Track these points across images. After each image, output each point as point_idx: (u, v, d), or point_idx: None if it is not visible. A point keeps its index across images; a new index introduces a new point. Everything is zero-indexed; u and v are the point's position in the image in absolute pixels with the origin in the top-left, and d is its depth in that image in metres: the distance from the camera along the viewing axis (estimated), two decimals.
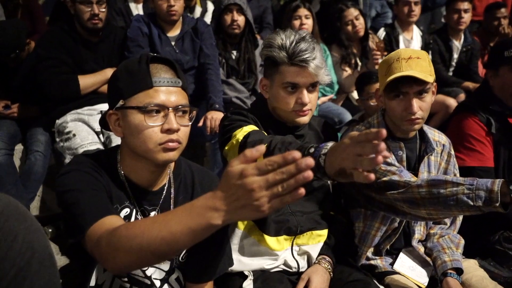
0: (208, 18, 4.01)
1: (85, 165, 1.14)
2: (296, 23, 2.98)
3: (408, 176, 1.47)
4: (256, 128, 1.42)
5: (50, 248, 0.88)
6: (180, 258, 1.27)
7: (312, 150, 1.02)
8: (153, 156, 1.11)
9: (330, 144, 0.98)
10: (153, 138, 1.09)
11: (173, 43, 2.67)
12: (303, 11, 2.97)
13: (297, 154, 0.74)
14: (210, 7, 4.38)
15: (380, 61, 2.94)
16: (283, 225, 1.50)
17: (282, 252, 1.51)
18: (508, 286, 1.56)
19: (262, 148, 0.79)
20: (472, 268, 1.62)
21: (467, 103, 1.92)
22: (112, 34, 2.60)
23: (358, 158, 0.83)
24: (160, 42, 2.63)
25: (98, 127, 2.46)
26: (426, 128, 1.67)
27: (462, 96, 3.27)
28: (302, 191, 0.75)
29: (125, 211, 1.18)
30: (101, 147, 2.38)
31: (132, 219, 1.19)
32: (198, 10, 4.12)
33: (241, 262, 1.50)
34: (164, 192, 1.22)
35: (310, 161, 0.73)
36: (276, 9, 4.47)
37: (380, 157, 0.80)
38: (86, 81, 2.47)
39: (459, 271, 1.54)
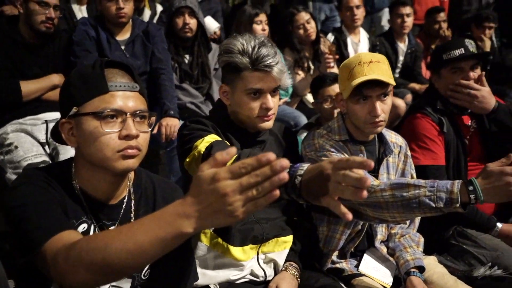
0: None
1: (37, 178, 1.05)
2: (258, 28, 3.00)
3: (370, 179, 1.49)
4: (218, 138, 1.37)
5: (3, 271, 0.80)
6: (142, 275, 1.20)
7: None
8: (112, 164, 1.03)
9: (305, 165, 0.94)
10: (111, 145, 1.02)
11: (123, 47, 2.56)
12: (263, 17, 3.01)
13: (271, 155, 0.72)
14: (160, 9, 4.27)
15: (332, 64, 3.02)
16: (249, 234, 1.47)
17: (248, 261, 1.48)
18: (465, 280, 1.63)
19: (233, 151, 0.76)
20: (433, 265, 1.67)
21: (419, 104, 1.99)
22: (57, 38, 2.45)
23: (338, 186, 0.81)
24: (109, 46, 2.51)
25: (43, 138, 2.31)
26: (384, 130, 1.71)
27: (409, 97, 3.41)
28: (277, 193, 0.73)
29: (82, 227, 1.10)
30: (47, 159, 2.23)
31: None
32: (147, 13, 4.00)
33: (205, 276, 1.45)
34: (123, 206, 1.15)
35: (285, 162, 0.71)
36: (227, 12, 4.44)
37: (364, 192, 0.78)
38: (29, 87, 2.30)
39: (421, 269, 1.58)
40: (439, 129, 1.90)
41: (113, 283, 1.13)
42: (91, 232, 1.11)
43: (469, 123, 1.99)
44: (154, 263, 1.16)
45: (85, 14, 3.43)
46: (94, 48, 2.48)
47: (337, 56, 3.00)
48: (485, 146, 2.01)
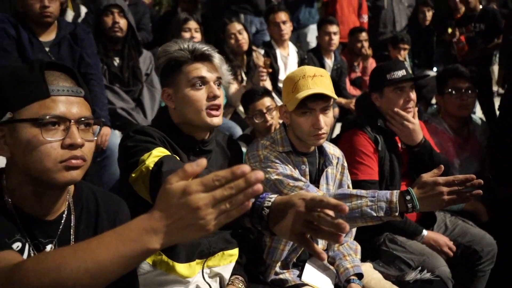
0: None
1: None
2: (186, 35, 2.92)
3: (314, 191, 1.53)
4: (167, 152, 1.31)
5: None
6: None
7: (252, 200, 0.96)
8: (53, 176, 0.94)
9: (273, 197, 0.92)
10: (52, 155, 0.93)
11: (47, 49, 2.37)
12: (193, 24, 2.93)
13: (246, 168, 0.70)
14: (84, 11, 4.05)
15: (265, 77, 3.06)
16: (195, 249, 1.42)
17: (193, 277, 1.43)
18: (399, 284, 1.73)
19: (204, 162, 0.73)
20: (369, 271, 1.75)
21: (358, 121, 2.09)
22: None
23: (311, 226, 0.82)
24: (31, 47, 2.31)
25: None
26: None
27: (336, 111, 3.58)
28: (250, 204, 0.72)
29: (15, 246, 0.98)
30: None
31: (25, 255, 0.99)
32: (69, 14, 3.78)
33: None
34: (62, 221, 1.05)
35: (260, 174, 0.70)
36: (156, 18, 4.34)
37: (342, 237, 0.79)
38: None
39: (360, 276, 1.65)
40: (374, 147, 2.00)
41: None
42: (25, 252, 1.00)
43: (400, 144, 2.11)
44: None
45: None
46: (14, 48, 2.27)
47: (270, 70, 3.05)
48: (411, 165, 2.14)
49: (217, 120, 1.44)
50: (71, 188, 1.08)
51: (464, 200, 1.33)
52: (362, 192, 1.43)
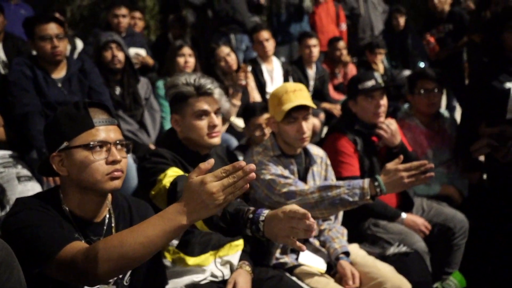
0: (77, 56, 4.01)
1: (33, 204, 1.23)
2: (181, 60, 3.21)
3: (302, 185, 1.84)
4: (180, 172, 1.60)
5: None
6: (124, 282, 1.40)
7: (250, 215, 1.27)
8: (101, 186, 1.25)
9: (265, 212, 1.26)
10: (100, 170, 1.24)
11: (59, 85, 2.66)
12: (187, 50, 3.21)
13: (242, 162, 1.05)
14: (80, 44, 4.36)
15: (244, 82, 3.33)
16: (207, 243, 1.73)
17: (208, 266, 1.74)
18: (381, 258, 2.04)
19: (212, 161, 1.08)
20: (355, 250, 2.06)
21: (339, 125, 2.40)
22: None
23: (292, 229, 1.19)
24: (47, 85, 2.61)
25: None
26: (308, 145, 2.08)
27: (322, 116, 3.89)
28: (247, 186, 1.06)
29: None
30: None
31: None
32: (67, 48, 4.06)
33: (172, 282, 1.67)
34: (106, 222, 1.35)
35: (253, 166, 1.05)
36: (149, 44, 4.66)
37: (311, 233, 1.19)
38: None
39: (347, 254, 1.96)
40: (354, 147, 2.31)
41: None
42: None
43: (378, 142, 2.41)
44: (134, 271, 1.38)
45: (1, 53, 3.40)
46: (32, 87, 2.55)
47: (248, 75, 3.29)
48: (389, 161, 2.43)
49: (216, 140, 1.73)
50: (109, 196, 1.38)
51: (421, 181, 1.65)
52: (340, 182, 1.75)
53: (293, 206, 1.20)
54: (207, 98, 1.70)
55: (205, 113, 1.70)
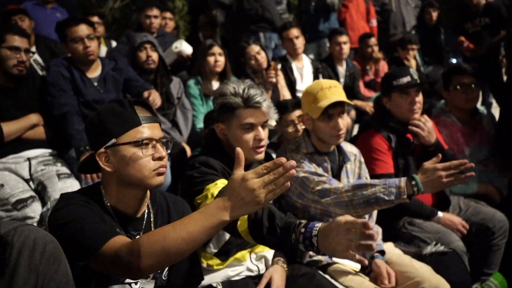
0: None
1: (77, 199, 1.26)
2: (211, 59, 3.23)
3: (336, 183, 1.83)
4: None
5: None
6: (163, 276, 1.42)
7: (302, 230, 1.21)
8: (148, 181, 1.28)
9: (318, 225, 1.19)
10: (148, 166, 1.27)
11: (95, 84, 2.74)
12: (217, 49, 3.24)
13: (283, 159, 1.04)
14: (115, 46, 4.46)
15: (274, 80, 3.33)
16: (245, 245, 1.74)
17: (245, 262, 1.76)
18: (417, 258, 2.00)
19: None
20: (390, 249, 2.03)
21: (372, 122, 2.36)
22: (30, 79, 2.60)
23: (351, 243, 1.12)
24: (84, 84, 2.69)
25: (26, 175, 2.43)
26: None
27: (353, 113, 3.85)
28: (288, 184, 1.05)
29: None
30: (33, 194, 2.35)
31: None
32: (103, 50, 4.18)
33: (208, 277, 1.69)
34: (145, 218, 1.38)
35: (293, 162, 1.04)
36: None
37: (374, 244, 1.09)
38: (10, 128, 2.42)
39: (382, 253, 1.93)
40: (388, 144, 2.27)
41: (141, 285, 1.35)
42: None
43: (412, 139, 2.36)
44: (172, 267, 1.40)
45: (35, 55, 3.51)
46: (70, 87, 2.64)
47: (278, 70, 3.28)
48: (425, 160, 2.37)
49: (260, 156, 1.68)
50: (148, 192, 1.41)
51: (460, 181, 1.61)
52: (375, 181, 1.72)
53: (348, 217, 1.13)
54: (254, 110, 1.65)
55: (252, 126, 1.66)
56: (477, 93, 2.77)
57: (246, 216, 1.29)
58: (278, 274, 1.71)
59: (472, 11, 4.56)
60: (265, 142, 1.70)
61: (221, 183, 1.58)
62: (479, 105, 3.81)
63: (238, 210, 1.06)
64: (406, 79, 2.25)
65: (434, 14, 5.23)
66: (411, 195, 1.68)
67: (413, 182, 1.65)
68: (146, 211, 1.39)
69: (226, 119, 1.70)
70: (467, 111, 2.76)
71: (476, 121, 2.80)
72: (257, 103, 1.65)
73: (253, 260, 1.76)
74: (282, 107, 2.62)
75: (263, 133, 1.68)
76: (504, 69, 4.48)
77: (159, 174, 1.29)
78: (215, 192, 1.51)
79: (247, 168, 1.75)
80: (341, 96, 1.88)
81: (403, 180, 1.68)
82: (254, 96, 1.64)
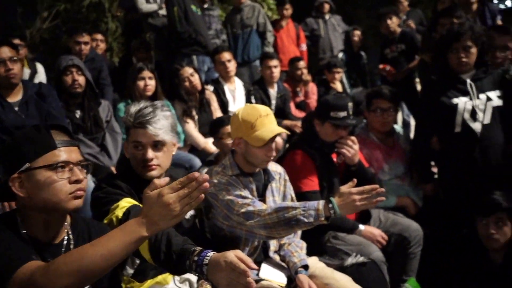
0: (38, 80, 3.96)
1: None
2: (141, 83, 3.23)
3: (259, 206, 1.90)
4: (133, 201, 1.60)
5: None
6: None
7: (195, 258, 1.22)
8: (64, 205, 1.26)
9: (210, 254, 1.21)
10: (64, 189, 1.25)
11: (16, 109, 2.64)
12: (147, 73, 3.24)
13: (196, 174, 1.10)
14: (40, 68, 4.31)
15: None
16: None
17: (167, 285, 1.75)
18: (340, 270, 2.10)
19: (167, 179, 1.13)
20: (314, 263, 2.11)
21: (299, 142, 2.48)
22: None
23: (232, 281, 1.15)
24: (2, 108, 2.58)
25: None
26: None
27: (284, 134, 3.96)
28: (202, 196, 1.11)
29: None
30: None
31: None
32: (26, 72, 4.01)
33: None
34: (64, 244, 1.35)
35: (206, 176, 1.10)
36: (112, 67, 4.65)
37: (253, 284, 1.14)
38: None
39: (306, 267, 2.01)
40: (314, 163, 2.38)
41: None
42: None
43: (336, 159, 2.51)
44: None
45: None
46: None
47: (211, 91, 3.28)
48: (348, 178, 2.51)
49: (152, 173, 1.71)
50: (69, 218, 1.39)
51: (372, 204, 1.74)
52: (296, 203, 1.83)
53: (234, 258, 1.14)
54: (142, 131, 1.70)
55: (141, 144, 1.71)
56: (392, 117, 2.98)
57: (147, 241, 1.30)
58: None
59: (389, 38, 4.95)
60: (157, 161, 1.71)
61: (125, 202, 1.58)
62: (399, 125, 4.13)
63: (157, 225, 1.09)
64: (343, 113, 2.34)
65: (357, 39, 5.60)
66: (328, 217, 1.78)
67: (330, 205, 1.76)
68: (66, 237, 1.36)
69: (127, 137, 1.79)
70: (384, 132, 2.97)
71: (394, 140, 3.02)
72: (143, 124, 1.69)
73: (177, 283, 1.77)
74: (218, 122, 2.71)
75: (151, 153, 1.70)
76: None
77: (76, 197, 1.28)
78: (120, 214, 1.52)
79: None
80: (275, 123, 1.97)
81: (321, 203, 1.78)
82: (142, 117, 1.69)
